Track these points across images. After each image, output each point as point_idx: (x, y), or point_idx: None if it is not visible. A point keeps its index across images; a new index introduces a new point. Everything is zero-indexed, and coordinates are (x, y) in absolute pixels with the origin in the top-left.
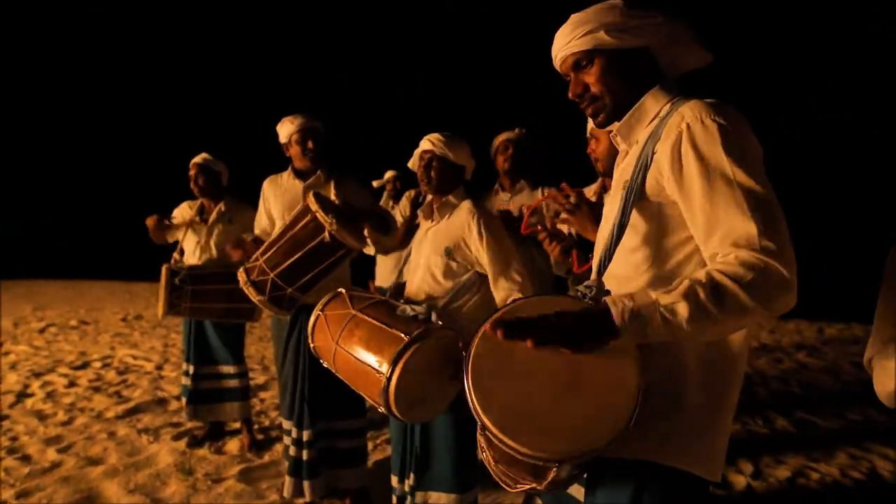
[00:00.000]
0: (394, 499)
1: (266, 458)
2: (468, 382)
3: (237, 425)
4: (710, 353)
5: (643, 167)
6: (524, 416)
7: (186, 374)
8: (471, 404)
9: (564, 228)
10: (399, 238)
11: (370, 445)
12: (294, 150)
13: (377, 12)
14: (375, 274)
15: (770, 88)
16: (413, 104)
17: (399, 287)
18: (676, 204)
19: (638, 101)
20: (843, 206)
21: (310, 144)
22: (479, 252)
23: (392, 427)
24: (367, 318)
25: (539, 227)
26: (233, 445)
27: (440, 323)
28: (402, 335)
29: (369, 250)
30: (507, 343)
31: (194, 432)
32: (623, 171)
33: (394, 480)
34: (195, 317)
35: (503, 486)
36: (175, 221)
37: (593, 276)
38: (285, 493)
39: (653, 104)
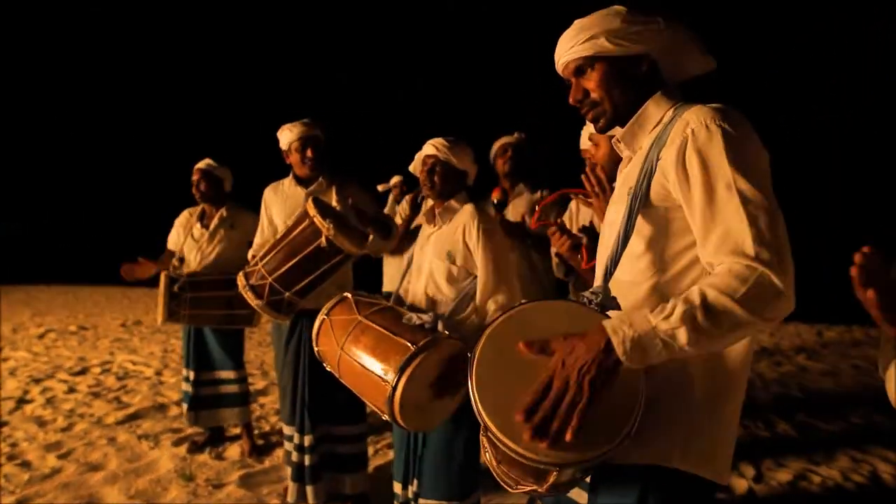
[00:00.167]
0: None
1: (266, 463)
2: (472, 384)
3: (237, 431)
4: (714, 355)
5: (648, 173)
6: None
7: (187, 379)
8: (474, 406)
9: (588, 216)
10: (396, 240)
11: (371, 451)
12: (294, 158)
13: (377, 12)
14: (383, 279)
15: (770, 88)
16: (413, 104)
17: (400, 298)
18: (681, 209)
19: (638, 107)
20: (843, 207)
21: (309, 153)
22: (476, 254)
23: (395, 434)
24: (372, 324)
25: (550, 222)
26: (233, 451)
27: (446, 332)
28: (409, 344)
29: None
30: (511, 347)
31: (194, 438)
32: (627, 178)
33: (397, 487)
34: (194, 323)
35: (505, 487)
36: (170, 245)
37: (598, 281)
38: (289, 499)
39: (655, 110)
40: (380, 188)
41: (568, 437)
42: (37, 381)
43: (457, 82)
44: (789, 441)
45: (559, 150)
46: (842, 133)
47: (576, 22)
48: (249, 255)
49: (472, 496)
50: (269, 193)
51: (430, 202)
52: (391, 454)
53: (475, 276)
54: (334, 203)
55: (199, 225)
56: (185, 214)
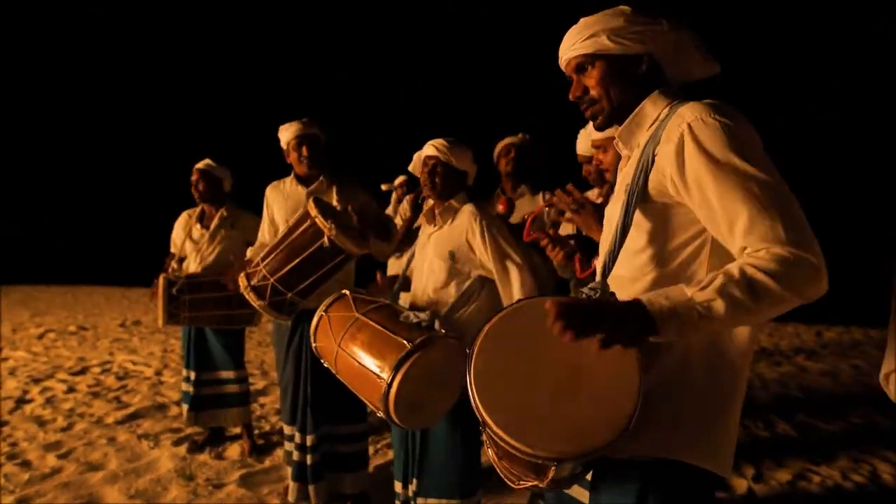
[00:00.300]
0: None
1: (267, 463)
2: (470, 380)
3: (237, 430)
4: (716, 346)
5: (644, 170)
6: (525, 415)
7: (187, 380)
8: (472, 401)
9: (571, 228)
10: (396, 240)
11: (371, 450)
12: (292, 157)
13: (377, 12)
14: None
15: (770, 88)
16: (413, 104)
17: (407, 281)
18: (680, 205)
19: (637, 106)
20: (842, 208)
21: (304, 151)
22: (483, 254)
23: (394, 433)
24: (370, 321)
25: (541, 235)
26: (233, 451)
27: (443, 331)
28: (405, 342)
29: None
30: (511, 343)
31: (194, 437)
32: (625, 175)
33: (397, 486)
34: (194, 325)
35: (507, 482)
36: (173, 248)
37: (598, 277)
38: (290, 499)
39: (652, 108)
40: (384, 187)
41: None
42: (36, 380)
43: (457, 82)
44: (789, 441)
45: (559, 150)
46: (842, 133)
47: (581, 20)
48: (249, 253)
49: (473, 495)
50: (270, 192)
51: (430, 202)
52: (391, 454)
53: (476, 276)
54: (335, 203)
55: (198, 226)
56: (184, 216)
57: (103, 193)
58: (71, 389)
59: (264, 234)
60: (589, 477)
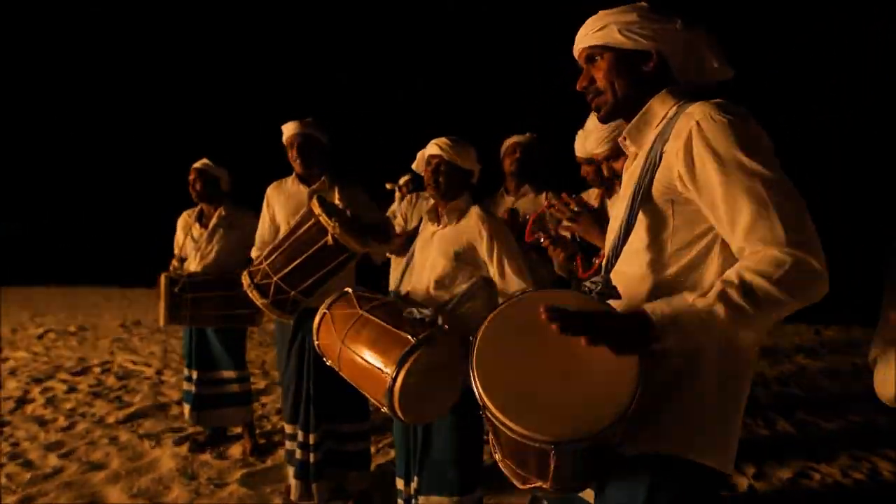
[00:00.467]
0: (399, 502)
1: (268, 462)
2: (472, 364)
3: (238, 430)
4: (724, 344)
5: (651, 168)
6: (525, 400)
7: (189, 379)
8: (474, 386)
9: (568, 234)
10: (400, 245)
11: (373, 449)
12: (290, 155)
13: (377, 12)
14: (390, 277)
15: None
16: (413, 104)
17: (399, 296)
18: (687, 203)
19: (641, 102)
20: (842, 207)
21: (294, 152)
22: (488, 260)
23: (395, 430)
24: (373, 318)
25: (543, 236)
26: (234, 450)
27: (446, 326)
28: (409, 337)
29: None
30: (514, 331)
31: (196, 437)
32: (632, 174)
33: (399, 483)
34: (196, 324)
35: (514, 481)
36: (176, 249)
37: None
38: (292, 497)
39: (660, 107)
40: (388, 186)
41: (584, 342)
42: (37, 381)
43: (457, 82)
44: (789, 439)
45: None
46: (842, 133)
47: (600, 12)
48: (253, 254)
49: (473, 492)
50: (271, 191)
51: (430, 201)
52: (393, 452)
53: (479, 276)
54: (337, 202)
55: (197, 225)
56: (184, 216)
57: (103, 193)
58: (72, 389)
59: (263, 233)
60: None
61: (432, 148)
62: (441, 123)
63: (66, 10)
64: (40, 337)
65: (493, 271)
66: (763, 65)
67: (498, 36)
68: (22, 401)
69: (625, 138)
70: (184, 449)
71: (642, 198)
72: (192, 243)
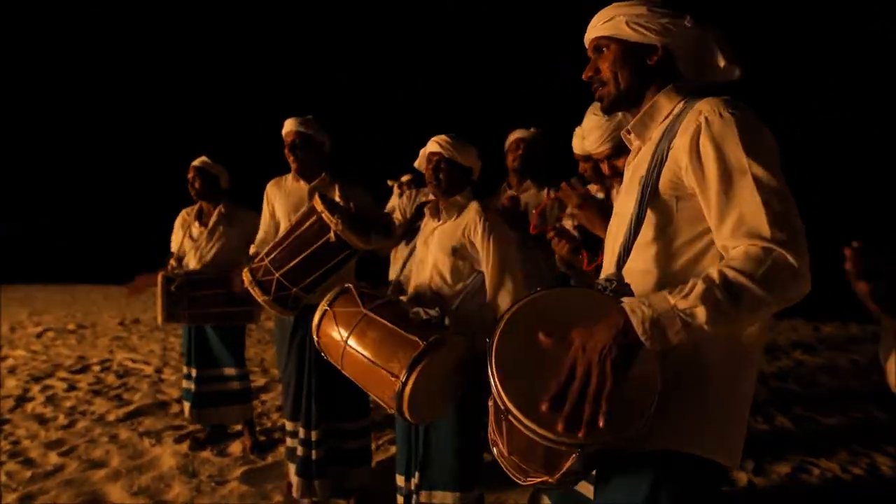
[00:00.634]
0: (400, 498)
1: (269, 459)
2: (492, 368)
3: (238, 427)
4: (729, 340)
5: (658, 163)
6: None
7: (188, 377)
8: (494, 389)
9: (569, 225)
10: (396, 236)
11: (373, 446)
12: (285, 151)
13: (377, 12)
14: (390, 271)
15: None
16: (413, 104)
17: (398, 285)
18: (691, 199)
19: (643, 96)
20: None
21: (287, 150)
22: (483, 253)
23: (398, 427)
24: (379, 318)
25: (548, 227)
26: (235, 447)
27: (453, 328)
28: (419, 340)
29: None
30: (531, 331)
31: (196, 435)
32: (637, 167)
33: (399, 480)
34: (194, 323)
35: (513, 478)
36: (173, 248)
37: (610, 269)
38: (295, 494)
39: (666, 102)
40: (390, 183)
41: (601, 423)
42: (37, 379)
43: (457, 82)
44: (788, 434)
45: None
46: (842, 133)
47: (613, 3)
48: (252, 250)
49: (473, 488)
50: (271, 188)
51: (431, 197)
52: (393, 449)
53: (479, 272)
54: (337, 199)
55: (197, 223)
56: (182, 214)
57: (102, 193)
58: (71, 387)
59: (264, 230)
60: (594, 472)
61: (433, 145)
62: (441, 122)
63: (66, 10)
64: (39, 335)
65: (486, 268)
66: (763, 65)
67: (498, 36)
68: (22, 399)
69: (629, 132)
70: (184, 446)
71: (651, 193)
72: (190, 241)
